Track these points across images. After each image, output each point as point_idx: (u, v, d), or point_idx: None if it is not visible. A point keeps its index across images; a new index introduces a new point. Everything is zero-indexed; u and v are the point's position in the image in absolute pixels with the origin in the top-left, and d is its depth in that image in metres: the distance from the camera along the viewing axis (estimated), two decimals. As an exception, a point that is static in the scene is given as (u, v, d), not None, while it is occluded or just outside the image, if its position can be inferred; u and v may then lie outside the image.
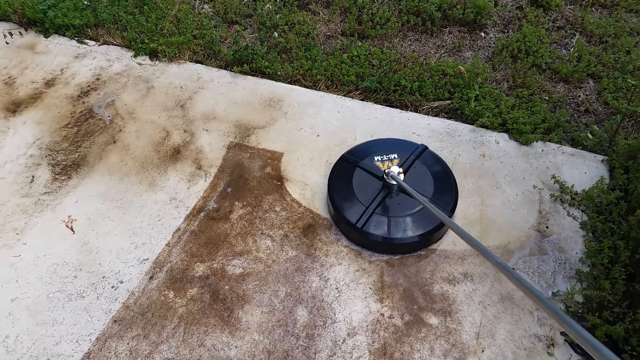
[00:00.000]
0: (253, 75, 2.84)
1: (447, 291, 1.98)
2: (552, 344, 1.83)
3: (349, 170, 2.24)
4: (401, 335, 1.87)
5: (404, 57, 2.86)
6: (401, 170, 2.09)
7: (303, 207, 2.25)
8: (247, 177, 2.37)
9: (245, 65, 2.81)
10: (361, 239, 2.11)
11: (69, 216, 2.26)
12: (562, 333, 1.86)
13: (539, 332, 1.86)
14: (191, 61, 2.94)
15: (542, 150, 2.41)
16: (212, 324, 1.92)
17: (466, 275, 2.02)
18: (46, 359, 1.86)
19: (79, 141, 2.55)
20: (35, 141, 2.56)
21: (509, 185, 2.29)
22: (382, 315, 1.93)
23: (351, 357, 1.82)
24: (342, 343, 1.86)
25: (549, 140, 2.44)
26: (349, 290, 1.99)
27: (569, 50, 2.91)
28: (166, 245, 2.15)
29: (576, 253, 2.07)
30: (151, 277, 2.05)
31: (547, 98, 2.65)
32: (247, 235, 2.16)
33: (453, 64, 2.71)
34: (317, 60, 2.80)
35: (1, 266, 2.11)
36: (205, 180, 2.37)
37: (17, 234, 2.22)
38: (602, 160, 2.35)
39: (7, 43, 3.14)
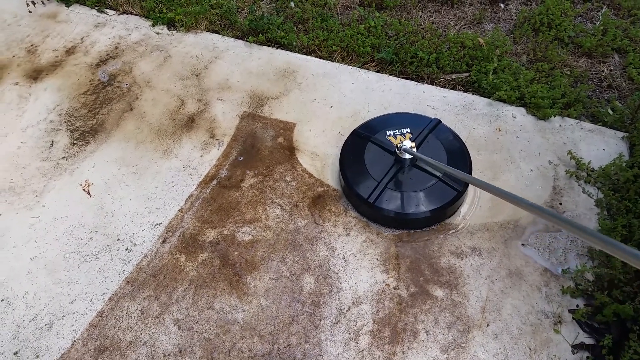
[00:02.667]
0: (268, 46, 2.83)
1: (455, 264, 1.98)
2: (560, 322, 1.82)
3: (361, 145, 2.23)
4: (405, 306, 1.88)
5: (422, 28, 2.81)
6: (413, 144, 2.07)
7: (314, 177, 2.26)
8: (259, 147, 2.38)
9: (261, 35, 2.80)
10: (373, 214, 2.11)
11: (86, 180, 2.32)
12: (571, 310, 1.84)
13: (547, 308, 1.85)
14: (208, 31, 2.94)
15: (560, 125, 2.36)
16: (221, 287, 1.96)
17: (474, 249, 2.01)
18: (62, 315, 1.93)
19: (97, 108, 2.60)
20: (55, 107, 2.62)
21: (524, 160, 2.25)
22: (388, 285, 1.94)
23: (355, 325, 1.85)
24: (347, 311, 1.88)
25: (568, 116, 2.38)
26: (356, 261, 2.00)
27: (595, 23, 2.81)
28: (179, 210, 2.19)
29: (589, 230, 2.03)
30: (164, 241, 2.10)
31: (569, 72, 2.58)
32: (258, 204, 2.19)
33: (472, 36, 2.65)
34: (333, 31, 2.77)
35: (21, 226, 2.19)
36: (218, 149, 2.39)
37: (36, 196, 2.29)
38: (623, 137, 2.29)
39: (29, 12, 3.19)
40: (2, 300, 1.99)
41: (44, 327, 1.91)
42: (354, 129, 2.30)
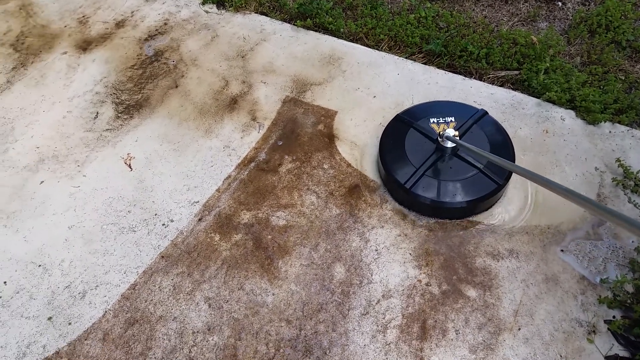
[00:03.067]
0: (315, 31, 2.81)
1: (490, 265, 1.94)
2: (594, 331, 1.77)
3: (403, 130, 2.20)
4: (437, 304, 1.86)
5: (474, 22, 2.74)
6: (457, 133, 2.04)
7: (351, 167, 2.24)
8: (299, 133, 2.38)
9: (309, 19, 2.78)
10: (408, 200, 2.09)
11: (127, 154, 2.36)
12: (606, 321, 1.79)
13: (581, 317, 1.80)
14: (256, 12, 2.94)
15: (610, 131, 2.27)
16: (252, 269, 1.98)
17: (512, 252, 1.97)
18: (95, 285, 1.98)
19: (143, 83, 2.64)
20: (102, 79, 2.67)
21: (570, 164, 2.18)
22: (420, 281, 1.92)
23: (384, 318, 1.84)
24: (376, 303, 1.87)
25: (619, 122, 2.29)
26: (389, 254, 1.99)
27: (657, 27, 2.69)
28: (216, 190, 2.21)
29: (632, 242, 1.96)
30: (200, 219, 2.13)
31: (623, 77, 2.48)
32: (294, 189, 2.19)
33: (525, 34, 2.57)
34: (382, 19, 2.73)
35: (62, 195, 2.25)
36: (258, 132, 2.40)
37: (78, 165, 2.34)
38: (677, 148, 2.19)
39: (83, -17, 3.25)
40: (40, 265, 2.05)
41: (77, 296, 1.97)
42: (397, 114, 2.28)
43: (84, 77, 2.68)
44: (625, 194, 2.08)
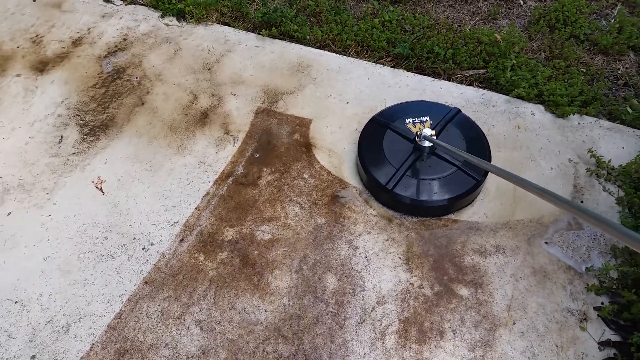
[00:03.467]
0: (281, 39, 2.78)
1: (479, 263, 1.96)
2: (585, 319, 1.81)
3: (380, 131, 2.21)
4: (431, 305, 1.86)
5: (438, 23, 2.78)
6: (433, 132, 2.06)
7: (332, 175, 2.22)
8: (275, 144, 2.34)
9: (274, 28, 2.74)
10: (391, 201, 2.10)
11: (98, 177, 2.26)
12: (596, 308, 1.84)
13: (572, 306, 1.84)
14: (219, 23, 2.88)
15: (579, 123, 2.35)
16: (242, 287, 1.92)
17: (498, 247, 1.99)
18: (79, 317, 1.88)
19: (107, 102, 2.53)
20: (63, 101, 2.54)
21: (544, 158, 2.23)
22: (412, 284, 1.92)
23: (381, 324, 1.82)
24: (372, 311, 1.86)
25: (586, 114, 2.37)
26: (378, 259, 1.98)
27: (610, 21, 2.80)
28: (195, 208, 2.14)
29: (611, 229, 2.02)
30: (181, 240, 2.05)
31: (585, 70, 2.57)
32: (276, 202, 2.15)
33: (488, 32, 2.62)
34: (347, 25, 2.73)
35: (32, 225, 2.13)
36: (233, 145, 2.34)
37: (47, 193, 2.22)
38: (641, 135, 2.29)
39: (33, 0, 3.10)
40: (16, 302, 1.93)
41: (60, 330, 1.86)
42: (373, 116, 2.29)
43: (44, 100, 2.55)
44: (599, 183, 2.15)
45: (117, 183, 2.24)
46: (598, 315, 1.82)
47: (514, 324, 1.81)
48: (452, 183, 2.05)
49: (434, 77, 2.55)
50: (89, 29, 2.88)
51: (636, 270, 1.83)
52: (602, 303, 1.85)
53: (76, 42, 2.81)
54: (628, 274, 1.86)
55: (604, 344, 1.76)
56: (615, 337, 1.77)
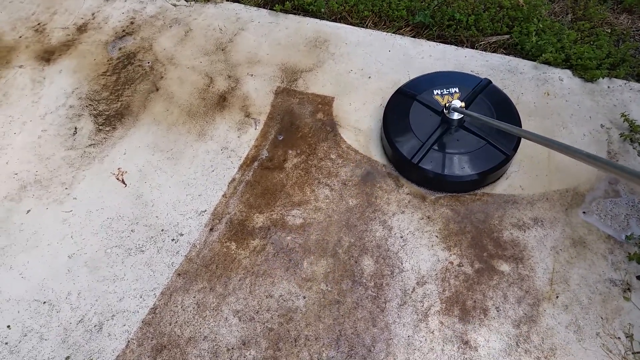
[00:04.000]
0: (295, 14, 2.67)
1: (517, 237, 1.92)
2: (629, 289, 1.79)
3: (406, 103, 2.14)
4: (472, 283, 1.83)
5: (456, -12, 2.67)
6: (463, 104, 1.99)
7: (360, 154, 2.16)
8: (299, 124, 2.27)
9: (287, 2, 2.63)
10: (419, 177, 2.05)
11: (118, 168, 2.19)
12: (638, 277, 1.81)
13: (614, 276, 1.81)
14: (228, 0, 2.76)
15: (608, 87, 2.28)
16: (277, 275, 1.89)
17: (536, 220, 1.95)
18: (111, 315, 1.85)
19: (120, 89, 2.44)
20: (73, 91, 2.45)
21: (576, 124, 2.17)
22: (451, 263, 1.88)
23: (422, 305, 1.79)
24: (412, 292, 1.83)
25: (615, 77, 2.30)
26: (414, 239, 1.94)
27: (633, -24, 2.70)
28: (222, 196, 2.08)
29: (650, 195, 1.98)
30: (211, 229, 2.01)
31: (610, 31, 2.48)
32: (304, 185, 2.09)
33: (509, -5, 2.53)
34: (363, -5, 2.62)
35: (54, 222, 2.07)
36: (255, 128, 2.27)
37: (65, 188, 2.16)
38: (674, 96, 2.22)
39: (30, -14, 2.97)
40: (45, 302, 1.89)
41: (93, 329, 1.82)
42: (399, 87, 2.21)
43: (53, 91, 2.46)
44: (634, 148, 2.09)
45: (138, 174, 2.17)
46: (642, 284, 1.79)
47: (557, 297, 1.79)
48: (481, 157, 1.99)
49: (457, 46, 2.46)
50: (93, 14, 2.77)
51: (680, 236, 1.79)
52: (645, 272, 1.82)
53: (81, 29, 2.70)
54: (671, 241, 1.83)
55: (650, 313, 1.74)
56: (661, 306, 1.75)
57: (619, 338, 1.69)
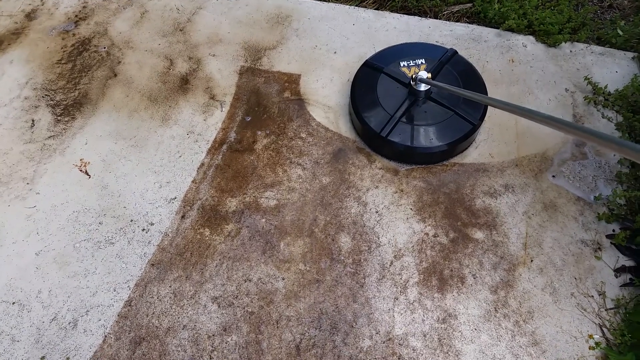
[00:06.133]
0: (255, -10, 2.60)
1: (490, 205, 1.94)
2: (599, 248, 1.83)
3: (373, 77, 2.12)
4: (448, 253, 1.85)
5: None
6: (429, 75, 1.98)
7: (330, 131, 2.14)
8: (266, 104, 2.22)
9: (245, -21, 2.56)
10: (387, 149, 2.04)
11: (80, 159, 2.11)
12: (608, 236, 1.85)
13: (585, 237, 1.86)
14: (183, -22, 2.66)
15: (571, 51, 2.30)
16: (254, 258, 1.86)
17: (507, 187, 1.97)
18: (85, 311, 1.79)
19: (77, 77, 2.34)
20: (27, 81, 2.33)
21: (541, 90, 2.19)
22: (427, 234, 1.89)
23: (401, 278, 1.80)
24: (390, 265, 1.83)
25: (577, 41, 2.32)
26: (390, 213, 1.94)
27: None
28: (192, 182, 2.03)
29: (614, 155, 2.02)
30: (183, 216, 1.96)
31: (570, -6, 2.50)
32: (276, 165, 2.06)
33: (470, -37, 2.51)
34: (322, -32, 2.57)
35: (17, 219, 1.99)
36: (221, 110, 2.21)
37: (27, 183, 2.07)
38: (633, 58, 2.26)
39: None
40: (14, 303, 1.82)
41: (67, 326, 1.77)
42: (366, 60, 2.18)
43: (5, 83, 2.33)
44: (598, 110, 2.13)
45: (102, 164, 2.10)
46: (611, 243, 1.84)
47: (532, 261, 1.82)
48: (449, 128, 1.99)
49: (420, 17, 2.44)
50: (42, 0, 2.63)
51: (644, 194, 1.84)
52: (614, 230, 1.86)
53: (30, 16, 2.56)
54: (635, 199, 1.87)
55: (619, 271, 1.79)
56: (629, 263, 1.80)
57: (592, 296, 1.74)
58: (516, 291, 1.76)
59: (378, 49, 2.28)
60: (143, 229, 1.94)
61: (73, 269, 1.88)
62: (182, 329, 1.74)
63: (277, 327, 1.73)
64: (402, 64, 2.13)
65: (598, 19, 2.46)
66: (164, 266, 1.86)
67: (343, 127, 2.14)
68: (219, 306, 1.77)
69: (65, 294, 1.83)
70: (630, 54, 2.27)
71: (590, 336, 1.67)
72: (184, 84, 2.29)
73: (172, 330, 1.74)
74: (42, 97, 2.28)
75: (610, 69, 2.23)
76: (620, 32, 2.32)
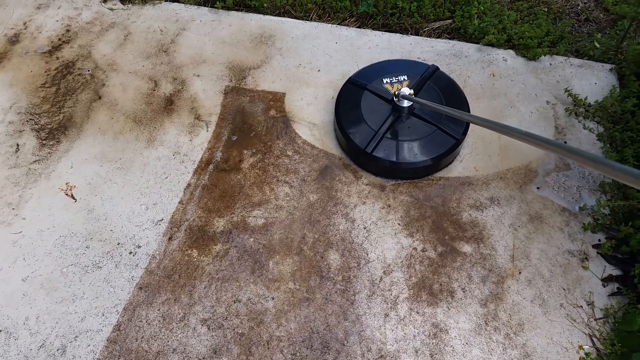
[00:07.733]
0: (237, 10, 2.62)
1: (476, 218, 1.95)
2: (586, 258, 1.85)
3: (357, 94, 2.15)
4: (437, 267, 1.85)
5: (396, -24, 2.68)
6: (412, 92, 2.01)
7: (316, 148, 2.15)
8: (252, 123, 2.23)
9: (228, -1, 2.58)
10: (372, 165, 2.06)
11: (66, 183, 2.10)
12: (594, 246, 1.87)
13: (572, 247, 1.88)
14: (166, 0, 2.67)
15: (550, 64, 2.34)
16: (243, 278, 1.85)
17: (492, 199, 1.99)
18: (74, 336, 1.76)
19: (61, 101, 2.33)
20: (11, 106, 2.32)
21: (523, 103, 2.23)
22: (415, 249, 1.90)
23: (391, 294, 1.80)
24: (380, 281, 1.83)
25: (556, 54, 2.37)
26: (378, 229, 1.94)
27: (564, -45, 2.79)
28: (179, 203, 2.02)
29: (597, 165, 2.05)
30: (170, 238, 1.95)
31: (547, 9, 2.56)
32: (263, 184, 2.06)
33: (449, -20, 2.56)
34: (304, -12, 2.60)
35: (3, 245, 1.96)
36: (207, 130, 2.22)
37: (12, 209, 2.04)
38: (611, 69, 2.31)
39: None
40: (1, 331, 1.78)
41: (56, 353, 1.74)
42: (349, 77, 2.21)
43: (-12, 107, 2.32)
44: (579, 122, 2.17)
45: (88, 187, 2.08)
46: (597, 252, 1.86)
47: (520, 273, 1.83)
48: (433, 143, 2.02)
49: (402, 34, 2.48)
50: (25, 24, 2.62)
51: (627, 203, 1.87)
52: (599, 240, 1.89)
53: (13, 40, 2.55)
54: (619, 208, 1.90)
55: (607, 280, 1.81)
56: (616, 272, 1.82)
57: (581, 307, 1.75)
58: (506, 304, 1.77)
59: (361, 67, 2.31)
60: (130, 252, 1.92)
61: (61, 294, 1.85)
62: (172, 352, 1.72)
63: (268, 348, 1.72)
64: (385, 80, 2.16)
65: (576, 32, 2.52)
66: (152, 289, 1.84)
67: (329, 144, 2.16)
68: (208, 328, 1.76)
69: (54, 319, 1.80)
70: (608, 66, 2.32)
71: (581, 347, 1.68)
72: (169, 104, 2.29)
73: (162, 354, 1.72)
74: (27, 121, 2.27)
75: (589, 80, 2.28)
76: (597, 45, 2.37)
